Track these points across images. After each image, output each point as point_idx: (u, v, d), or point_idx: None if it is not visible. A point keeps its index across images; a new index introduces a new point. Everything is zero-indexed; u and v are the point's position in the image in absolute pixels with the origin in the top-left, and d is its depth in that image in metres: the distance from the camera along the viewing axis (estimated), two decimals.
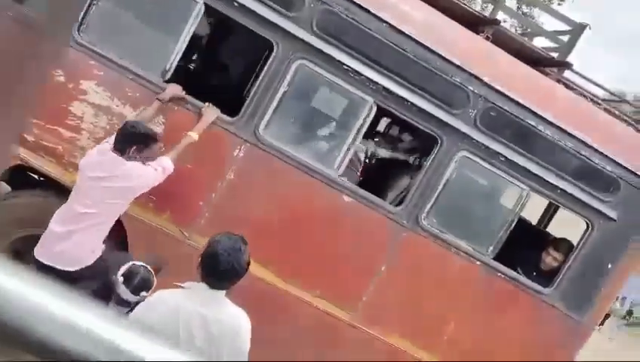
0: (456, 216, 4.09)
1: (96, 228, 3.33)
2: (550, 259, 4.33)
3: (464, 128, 3.83)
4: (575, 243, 4.11)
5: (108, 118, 3.64)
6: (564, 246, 4.32)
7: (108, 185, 3.25)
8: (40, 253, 3.32)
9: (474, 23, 4.27)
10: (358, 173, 4.04)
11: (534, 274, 4.29)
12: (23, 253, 3.89)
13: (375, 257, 3.94)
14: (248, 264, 2.54)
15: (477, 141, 3.84)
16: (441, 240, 3.94)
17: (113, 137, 3.31)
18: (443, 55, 3.74)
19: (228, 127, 3.69)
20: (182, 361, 0.62)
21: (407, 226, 3.90)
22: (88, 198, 3.28)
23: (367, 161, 4.31)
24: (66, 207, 3.36)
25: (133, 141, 3.24)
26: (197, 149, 3.62)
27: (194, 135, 3.52)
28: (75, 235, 3.28)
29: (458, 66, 3.76)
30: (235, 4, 3.57)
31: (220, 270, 2.45)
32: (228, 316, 2.50)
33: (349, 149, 3.81)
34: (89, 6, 3.52)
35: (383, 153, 4.34)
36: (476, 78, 3.77)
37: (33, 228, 3.75)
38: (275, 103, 3.68)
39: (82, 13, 3.52)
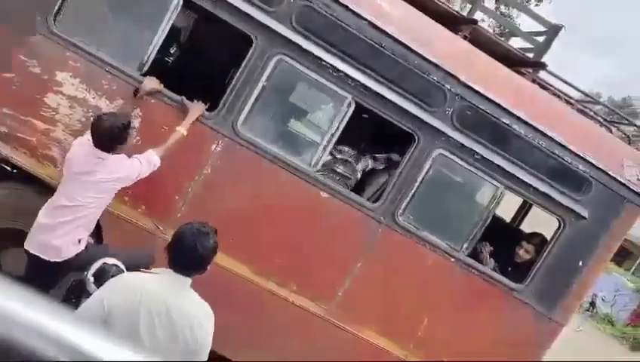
0: (432, 213, 4.13)
1: (82, 221, 3.33)
2: (523, 251, 4.44)
3: (440, 126, 3.87)
4: (548, 241, 4.19)
5: (83, 111, 3.61)
6: (537, 239, 4.42)
7: (92, 180, 3.25)
8: (28, 242, 3.35)
9: (452, 22, 4.31)
10: (349, 189, 4.06)
11: (509, 269, 4.38)
12: None
13: (351, 253, 3.97)
14: (214, 251, 2.54)
15: (453, 139, 3.89)
16: (417, 237, 3.98)
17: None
18: (420, 53, 3.76)
19: (206, 122, 3.67)
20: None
21: (384, 223, 3.93)
22: (73, 192, 3.28)
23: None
24: (53, 199, 3.36)
25: (112, 140, 3.22)
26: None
27: (182, 130, 3.53)
28: (60, 228, 3.29)
29: (435, 65, 3.79)
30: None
31: (184, 254, 2.45)
32: (190, 303, 2.49)
33: (327, 145, 3.83)
34: None
35: (379, 166, 4.36)
36: (453, 76, 3.81)
37: (7, 221, 3.72)
38: (253, 98, 3.68)
39: (59, 3, 3.47)
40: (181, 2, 3.57)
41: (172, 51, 4.78)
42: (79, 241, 3.37)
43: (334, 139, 3.84)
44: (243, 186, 3.81)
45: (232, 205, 3.81)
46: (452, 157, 3.92)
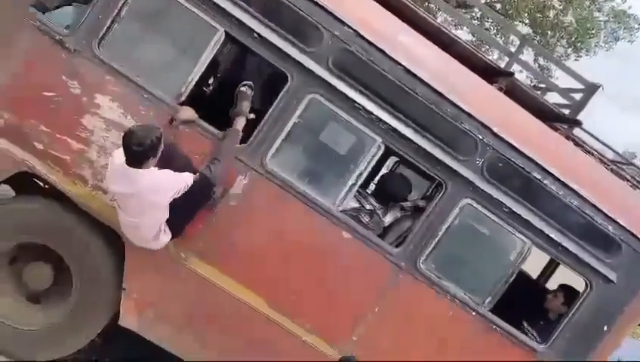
0: (455, 263, 4.06)
1: (150, 230, 3.51)
2: (556, 303, 4.39)
3: (470, 176, 3.83)
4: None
5: (119, 134, 3.66)
6: (569, 291, 4.34)
7: (138, 201, 3.35)
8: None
9: (489, 72, 4.32)
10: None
11: (540, 323, 4.31)
12: (19, 259, 3.91)
13: (369, 297, 3.91)
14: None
15: (482, 190, 3.84)
16: (438, 286, 3.91)
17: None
18: (454, 101, 3.76)
19: (236, 154, 3.71)
20: None
21: (405, 269, 3.88)
22: (128, 210, 3.45)
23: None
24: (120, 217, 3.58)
25: (147, 156, 3.27)
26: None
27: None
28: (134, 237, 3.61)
29: (468, 114, 3.78)
30: (255, 35, 3.63)
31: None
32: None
33: (353, 186, 3.82)
34: (112, 22, 3.58)
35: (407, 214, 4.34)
36: (486, 127, 3.79)
37: (33, 236, 3.79)
38: (283, 134, 3.71)
39: (104, 29, 3.58)
40: (223, 36, 3.65)
41: (210, 83, 4.87)
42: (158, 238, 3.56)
43: (361, 180, 3.83)
44: (266, 219, 3.81)
45: (254, 237, 3.81)
46: (480, 208, 3.87)
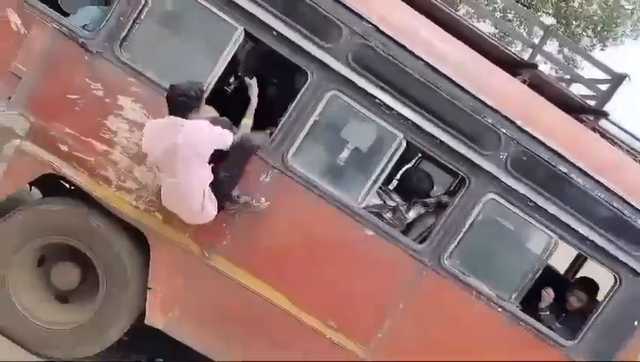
0: (480, 259, 4.01)
1: (194, 191, 3.47)
2: (574, 298, 4.29)
3: (494, 170, 3.78)
4: (602, 298, 3.99)
5: (141, 135, 3.70)
6: (588, 285, 4.25)
7: (180, 155, 3.36)
8: None
9: (512, 65, 4.26)
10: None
11: (563, 318, 4.25)
12: (47, 260, 3.98)
13: (393, 294, 3.89)
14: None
15: (506, 184, 3.79)
16: (463, 283, 3.87)
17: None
18: (476, 95, 3.72)
19: (259, 155, 3.71)
20: None
21: (429, 265, 3.85)
22: (170, 169, 3.45)
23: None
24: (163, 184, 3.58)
25: (190, 107, 3.40)
26: None
27: (249, 121, 3.65)
28: (191, 209, 3.53)
29: (491, 108, 3.73)
30: (274, 32, 3.64)
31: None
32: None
33: (374, 182, 3.80)
34: (132, 24, 3.61)
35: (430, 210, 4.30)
36: (509, 120, 3.74)
37: (60, 236, 3.85)
38: (305, 131, 3.71)
39: (125, 31, 3.61)
40: (242, 35, 3.66)
41: (231, 81, 4.91)
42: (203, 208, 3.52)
43: (383, 177, 3.81)
44: (288, 217, 3.82)
45: (277, 235, 3.83)
46: (504, 202, 3.82)
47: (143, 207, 3.75)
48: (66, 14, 3.81)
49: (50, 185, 4.10)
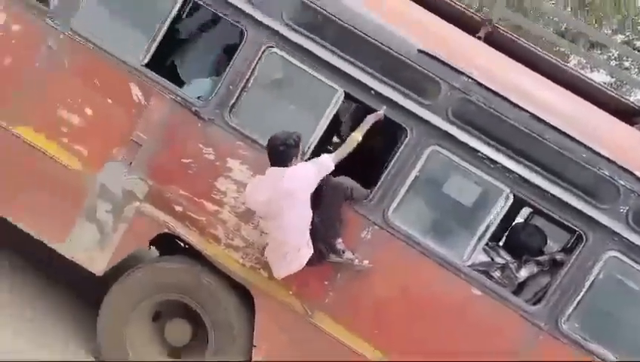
0: (603, 323, 3.67)
1: (295, 231, 3.57)
2: None
3: (613, 225, 3.51)
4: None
5: (245, 192, 3.84)
6: None
7: (282, 197, 3.48)
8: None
9: (630, 114, 4.02)
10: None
11: None
12: (162, 316, 4.18)
13: (504, 358, 3.63)
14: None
15: (629, 240, 3.50)
16: (584, 349, 3.55)
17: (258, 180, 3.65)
18: (590, 146, 3.52)
19: (357, 208, 3.73)
20: None
21: (545, 329, 3.58)
22: (271, 213, 3.58)
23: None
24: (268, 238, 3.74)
25: (291, 155, 3.52)
26: None
27: (358, 135, 3.68)
28: (287, 255, 3.61)
29: (607, 158, 3.51)
30: (372, 91, 3.71)
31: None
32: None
33: (480, 239, 3.66)
34: (240, 92, 3.84)
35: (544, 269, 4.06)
36: (627, 171, 3.48)
37: (176, 294, 4.03)
38: (405, 187, 3.68)
39: (234, 99, 3.85)
40: (342, 96, 3.77)
41: (333, 141, 5.03)
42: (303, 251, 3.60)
43: (489, 233, 3.66)
44: (390, 275, 3.75)
45: (379, 294, 3.76)
46: (627, 260, 3.51)
47: (249, 264, 3.87)
48: (180, 84, 4.14)
49: (167, 244, 4.34)
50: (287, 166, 3.51)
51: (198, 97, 3.97)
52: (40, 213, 4.04)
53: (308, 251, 3.58)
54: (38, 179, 4.03)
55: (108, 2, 4.08)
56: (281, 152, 3.51)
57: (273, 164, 3.55)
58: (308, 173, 3.53)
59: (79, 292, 4.76)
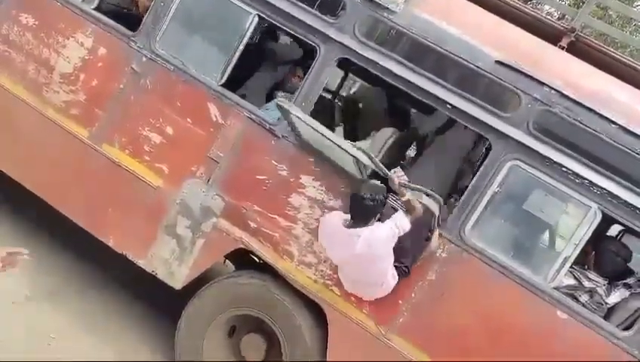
0: None
1: (378, 280, 3.60)
2: None
3: None
4: None
5: (321, 211, 3.84)
6: None
7: (361, 260, 3.51)
8: None
9: None
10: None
11: None
12: (237, 330, 4.23)
13: None
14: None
15: None
16: None
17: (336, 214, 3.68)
18: None
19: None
20: None
21: (638, 356, 3.31)
22: (352, 272, 3.67)
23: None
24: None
25: (375, 212, 3.48)
26: None
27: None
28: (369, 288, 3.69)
29: None
30: (448, 105, 3.61)
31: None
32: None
33: (567, 259, 3.45)
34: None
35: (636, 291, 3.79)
36: None
37: (250, 309, 4.07)
38: (483, 204, 3.54)
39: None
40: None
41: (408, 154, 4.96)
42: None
43: (576, 253, 3.45)
44: (467, 296, 3.61)
45: (454, 314, 3.62)
46: None
47: (321, 281, 3.84)
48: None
49: (242, 259, 4.41)
50: (366, 224, 3.47)
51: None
52: (124, 229, 4.22)
53: (393, 281, 3.58)
54: (122, 196, 4.21)
55: (187, 25, 4.23)
56: (366, 207, 3.46)
57: (354, 217, 3.54)
58: (384, 237, 3.45)
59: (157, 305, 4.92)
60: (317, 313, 3.92)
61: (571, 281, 3.66)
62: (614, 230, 4.65)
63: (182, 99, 4.10)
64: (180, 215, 4.10)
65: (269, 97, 4.60)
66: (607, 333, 3.39)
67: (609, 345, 3.37)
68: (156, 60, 4.11)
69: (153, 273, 4.16)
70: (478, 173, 3.60)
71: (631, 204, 3.33)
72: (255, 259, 4.28)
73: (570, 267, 3.55)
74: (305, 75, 3.96)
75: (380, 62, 3.72)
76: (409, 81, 3.68)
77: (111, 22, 4.25)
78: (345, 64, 4.27)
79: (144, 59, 4.13)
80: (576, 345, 3.44)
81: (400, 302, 3.69)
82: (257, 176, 3.97)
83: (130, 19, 4.38)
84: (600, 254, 3.75)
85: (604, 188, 3.37)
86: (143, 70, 4.13)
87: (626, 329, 3.41)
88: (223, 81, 4.02)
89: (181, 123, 4.09)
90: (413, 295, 3.66)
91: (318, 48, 3.84)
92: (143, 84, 4.14)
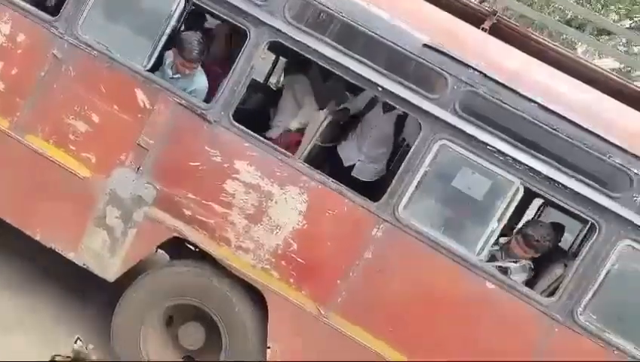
0: (619, 312, 3.63)
1: None
2: None
3: (628, 214, 3.47)
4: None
5: (257, 196, 3.83)
6: None
7: None
8: None
9: (637, 100, 3.97)
10: None
11: None
12: (175, 320, 4.18)
13: (520, 352, 3.60)
14: None
15: None
16: (602, 340, 3.51)
17: None
18: (600, 135, 3.48)
19: (368, 206, 3.71)
20: None
21: (561, 321, 3.54)
22: None
23: None
24: None
25: None
26: (336, 226, 3.72)
27: None
28: None
29: (618, 146, 3.46)
30: (379, 88, 3.69)
31: None
32: None
33: (492, 232, 3.63)
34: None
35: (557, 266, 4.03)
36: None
37: (187, 298, 4.03)
38: (415, 183, 3.65)
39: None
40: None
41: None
42: None
43: (500, 226, 3.63)
44: (402, 272, 3.73)
45: (391, 290, 3.73)
46: None
47: (260, 265, 3.85)
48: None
49: (176, 248, 4.34)
50: None
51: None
52: (52, 222, 4.06)
53: None
54: (47, 187, 4.04)
55: (111, 9, 4.08)
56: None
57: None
58: None
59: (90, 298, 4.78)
60: (256, 298, 3.93)
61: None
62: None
63: (107, 85, 3.95)
64: (110, 205, 3.98)
65: None
66: (532, 301, 3.59)
67: (535, 311, 3.57)
68: (79, 46, 3.94)
69: (84, 266, 4.03)
70: (409, 154, 3.70)
71: (551, 178, 3.52)
72: (191, 247, 4.23)
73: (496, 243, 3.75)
74: None
75: (311, 45, 3.73)
76: (340, 64, 3.71)
77: (29, 7, 4.04)
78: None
79: (66, 45, 3.95)
80: (504, 313, 3.63)
81: (338, 281, 3.76)
82: (190, 163, 3.90)
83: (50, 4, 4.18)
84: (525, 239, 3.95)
85: (526, 164, 3.54)
86: (65, 56, 3.95)
87: (550, 295, 3.63)
88: (150, 65, 3.92)
89: (107, 110, 3.95)
90: (351, 274, 3.74)
91: (248, 31, 3.80)
92: (66, 71, 3.96)
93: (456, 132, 3.60)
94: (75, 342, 3.71)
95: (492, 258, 3.90)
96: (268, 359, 3.90)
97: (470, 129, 3.58)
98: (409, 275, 3.73)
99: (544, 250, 3.93)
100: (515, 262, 3.88)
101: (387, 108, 4.49)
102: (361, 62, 3.69)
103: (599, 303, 3.52)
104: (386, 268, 3.72)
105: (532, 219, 4.00)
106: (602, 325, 3.53)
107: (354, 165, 4.88)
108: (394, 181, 3.70)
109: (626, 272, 3.54)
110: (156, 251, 4.25)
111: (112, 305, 4.09)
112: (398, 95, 3.67)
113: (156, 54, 3.92)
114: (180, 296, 4.04)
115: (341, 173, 4.50)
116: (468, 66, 3.59)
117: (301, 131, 4.67)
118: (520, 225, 4.54)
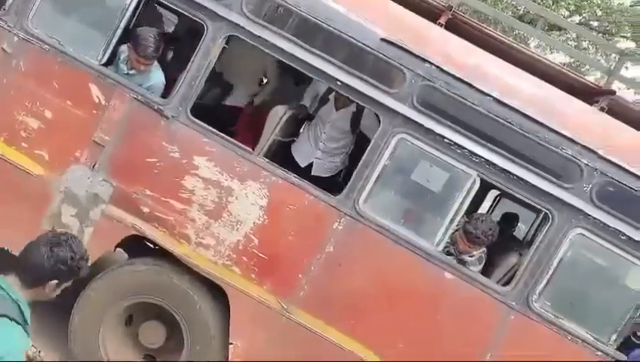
0: (572, 298, 3.77)
1: None
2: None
3: (578, 204, 3.59)
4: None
5: (217, 192, 3.80)
6: None
7: None
8: None
9: (590, 93, 4.11)
10: None
11: None
12: (134, 320, 4.11)
13: (479, 339, 3.70)
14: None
15: (594, 218, 3.58)
16: (555, 325, 3.63)
17: None
18: (552, 127, 3.59)
19: (328, 200, 3.73)
20: None
21: (516, 308, 3.65)
22: None
23: None
24: None
25: None
26: (298, 221, 3.73)
27: None
28: None
29: (569, 138, 3.58)
30: (338, 82, 3.70)
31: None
32: None
33: (450, 223, 3.70)
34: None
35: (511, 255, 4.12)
36: (589, 150, 3.56)
37: (146, 296, 3.97)
38: (374, 177, 3.69)
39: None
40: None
41: None
42: None
43: (458, 218, 3.71)
44: (363, 265, 3.76)
45: (354, 284, 3.76)
46: (593, 237, 3.59)
47: (221, 262, 3.82)
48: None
49: (135, 246, 4.27)
50: None
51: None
52: (3, 222, 3.92)
53: None
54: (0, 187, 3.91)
55: (61, 1, 3.97)
56: None
57: None
58: None
59: None
60: (218, 294, 3.90)
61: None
62: None
63: (60, 80, 3.84)
64: (65, 203, 3.88)
65: None
66: (489, 289, 3.69)
67: (492, 300, 3.67)
68: (29, 40, 3.81)
69: None
70: (369, 147, 3.73)
71: (506, 170, 3.62)
72: (150, 245, 4.16)
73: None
74: None
75: (269, 40, 3.72)
76: (298, 58, 3.71)
77: None
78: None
79: (16, 39, 3.82)
80: (462, 302, 3.71)
81: (300, 275, 3.77)
82: (147, 159, 3.84)
83: None
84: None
85: (483, 157, 3.63)
86: (15, 51, 3.82)
87: (506, 284, 3.73)
88: (105, 60, 3.83)
89: (60, 106, 3.84)
90: (312, 268, 3.76)
91: (205, 26, 3.76)
92: (16, 66, 3.83)
93: (414, 126, 3.66)
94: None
95: (447, 254, 3.96)
96: (231, 356, 3.88)
97: (428, 122, 3.64)
98: (370, 268, 3.77)
99: (488, 244, 3.97)
100: (472, 256, 3.95)
101: (340, 105, 4.48)
102: (319, 56, 3.70)
103: (553, 290, 3.64)
104: (347, 261, 3.75)
105: (473, 214, 4.04)
106: (556, 311, 3.65)
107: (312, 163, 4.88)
108: (354, 175, 3.73)
109: (578, 260, 3.68)
110: (115, 250, 4.16)
111: (65, 306, 3.98)
112: (357, 89, 3.69)
113: (111, 48, 3.84)
114: (140, 294, 3.97)
115: (304, 168, 4.51)
116: (425, 61, 3.65)
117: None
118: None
